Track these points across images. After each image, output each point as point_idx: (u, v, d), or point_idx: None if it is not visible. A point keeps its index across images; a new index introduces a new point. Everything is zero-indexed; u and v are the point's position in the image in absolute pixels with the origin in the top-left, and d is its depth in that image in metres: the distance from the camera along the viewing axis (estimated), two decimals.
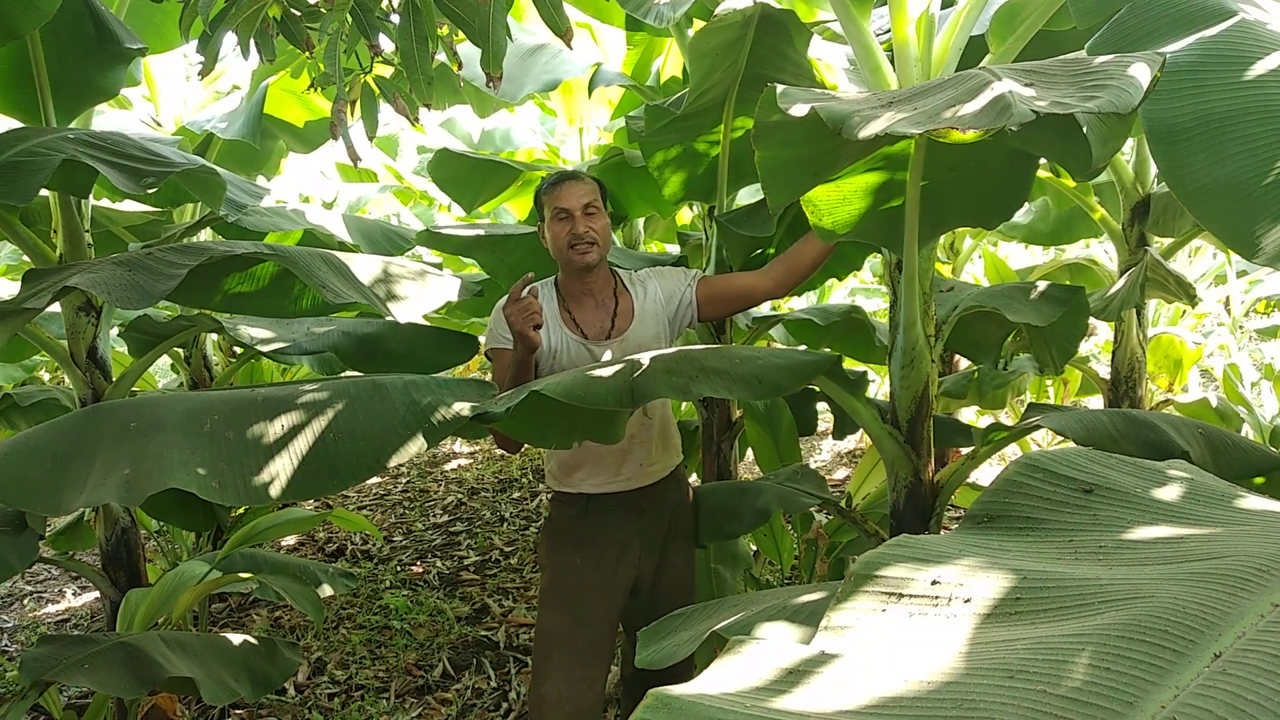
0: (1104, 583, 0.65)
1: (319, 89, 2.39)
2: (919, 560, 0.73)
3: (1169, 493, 0.82)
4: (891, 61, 2.27)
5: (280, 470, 1.64)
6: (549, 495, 2.41)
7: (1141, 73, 1.20)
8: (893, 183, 2.00)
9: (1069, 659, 0.55)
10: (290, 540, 5.23)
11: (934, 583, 0.71)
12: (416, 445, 1.66)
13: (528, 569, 4.72)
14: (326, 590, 3.05)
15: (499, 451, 7.16)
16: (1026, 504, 0.83)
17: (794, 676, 0.62)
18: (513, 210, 4.79)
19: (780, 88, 1.37)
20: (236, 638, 2.49)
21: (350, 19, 1.69)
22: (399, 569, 4.77)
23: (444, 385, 1.75)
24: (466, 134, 6.60)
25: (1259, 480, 2.28)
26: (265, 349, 2.72)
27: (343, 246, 3.61)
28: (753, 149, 1.79)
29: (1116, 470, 0.84)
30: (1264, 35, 1.40)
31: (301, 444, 1.67)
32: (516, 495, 6.10)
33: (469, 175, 4.02)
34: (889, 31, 2.31)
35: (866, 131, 1.16)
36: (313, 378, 2.63)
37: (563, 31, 1.73)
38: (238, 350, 5.52)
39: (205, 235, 3.82)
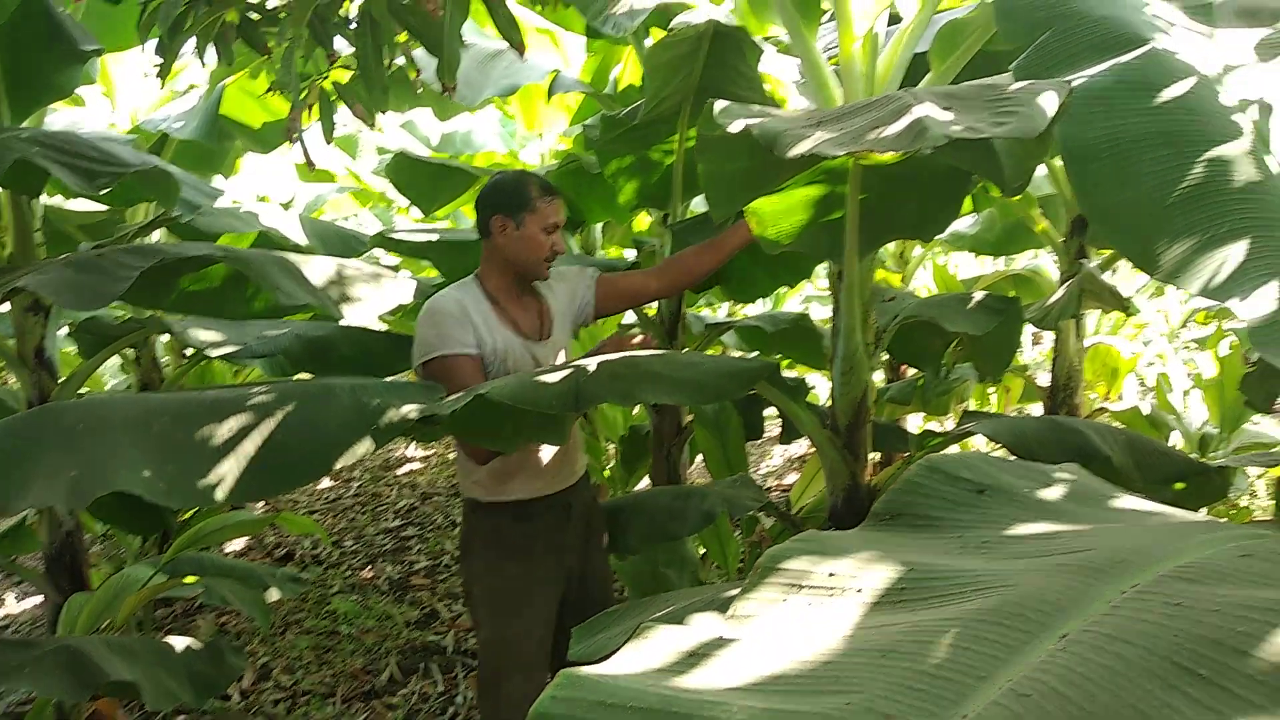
0: (979, 573, 0.72)
1: (278, 92, 2.42)
2: (819, 554, 0.79)
3: (1052, 493, 0.88)
4: (839, 76, 2.35)
5: (228, 472, 1.66)
6: (470, 508, 2.35)
7: (1049, 100, 1.27)
8: (833, 195, 2.07)
9: (935, 639, 0.61)
10: (238, 544, 5.20)
11: (831, 574, 0.77)
12: (364, 447, 1.69)
13: None
14: (274, 594, 3.05)
15: (452, 456, 7.16)
16: (925, 502, 0.89)
17: (693, 659, 0.67)
18: (469, 215, 4.81)
19: (720, 104, 1.43)
20: (180, 642, 2.49)
21: (307, 28, 1.72)
22: (348, 574, 4.76)
23: (391, 388, 1.78)
24: (426, 136, 6.60)
25: (1179, 485, 2.38)
26: (215, 352, 2.72)
27: (297, 248, 3.62)
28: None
29: (1008, 472, 0.91)
30: (1172, 64, 1.49)
31: (250, 445, 1.69)
32: None
33: (427, 179, 4.04)
34: (838, 45, 2.39)
35: (795, 150, 1.23)
36: (262, 380, 2.64)
37: (516, 44, 1.78)
38: (188, 352, 5.47)
39: (157, 235, 3.81)
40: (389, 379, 1.91)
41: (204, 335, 2.78)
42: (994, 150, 1.43)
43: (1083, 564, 0.68)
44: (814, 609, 0.73)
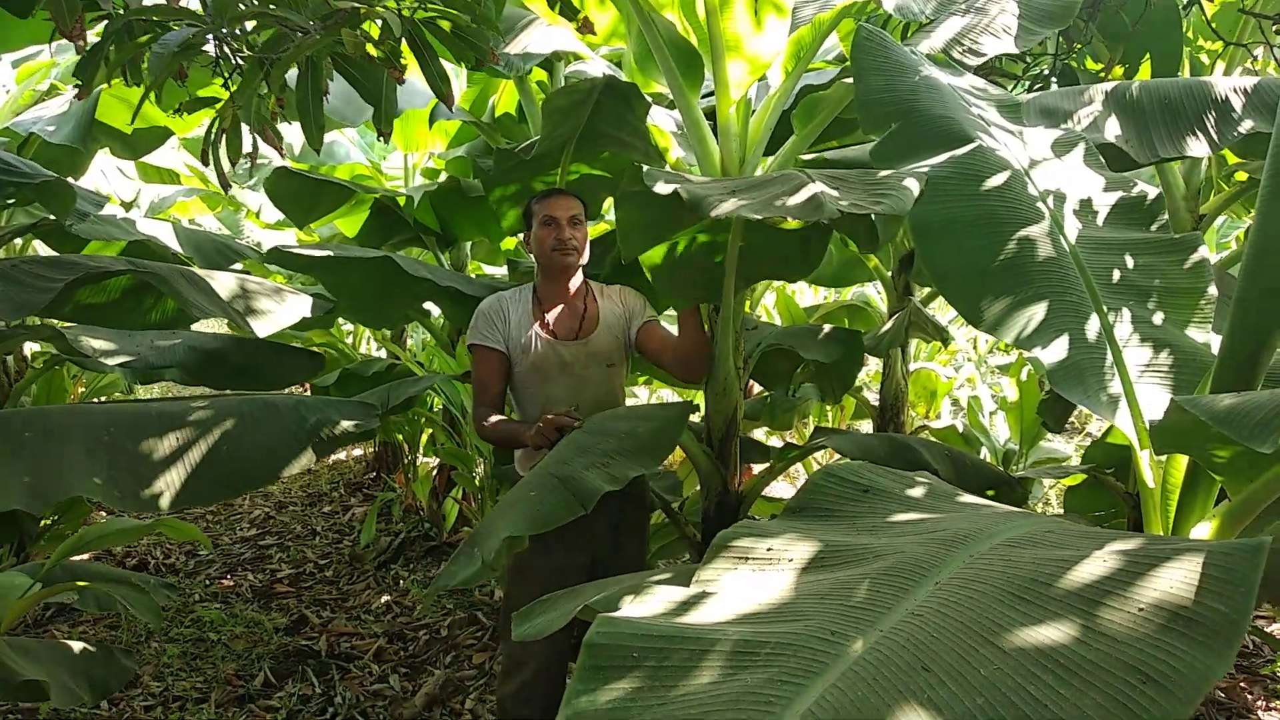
0: (875, 546, 1.02)
1: (185, 114, 2.51)
2: (758, 535, 1.08)
3: (916, 492, 1.21)
4: (716, 133, 2.68)
5: (175, 480, 1.79)
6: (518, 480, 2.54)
7: (913, 185, 1.63)
8: (715, 243, 2.40)
9: (855, 586, 0.91)
10: (83, 556, 5.03)
11: (769, 549, 1.06)
12: (307, 458, 1.86)
13: (343, 581, 4.80)
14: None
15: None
16: (825, 499, 1.20)
17: (685, 606, 0.94)
18: (341, 228, 4.88)
19: (646, 168, 1.71)
20: (76, 645, 2.53)
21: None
22: (208, 583, 4.72)
23: (330, 405, 1.96)
24: (288, 144, 6.56)
25: (991, 492, 2.84)
26: (110, 361, 2.76)
27: (176, 258, 3.63)
28: (584, 192, 2.06)
29: (883, 477, 1.23)
30: (993, 160, 1.89)
31: (195, 456, 1.83)
32: (327, 509, 6.10)
33: (305, 193, 4.13)
34: (712, 93, 2.72)
35: (718, 211, 1.52)
36: (199, 395, 2.71)
37: (446, 97, 1.99)
38: (28, 357, 5.25)
39: (19, 240, 3.71)
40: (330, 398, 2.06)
41: (95, 344, 2.81)
42: (869, 218, 1.78)
43: (945, 539, 1.00)
44: (760, 573, 1.02)
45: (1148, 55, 3.47)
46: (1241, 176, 3.54)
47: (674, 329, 2.67)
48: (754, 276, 2.52)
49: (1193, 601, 0.80)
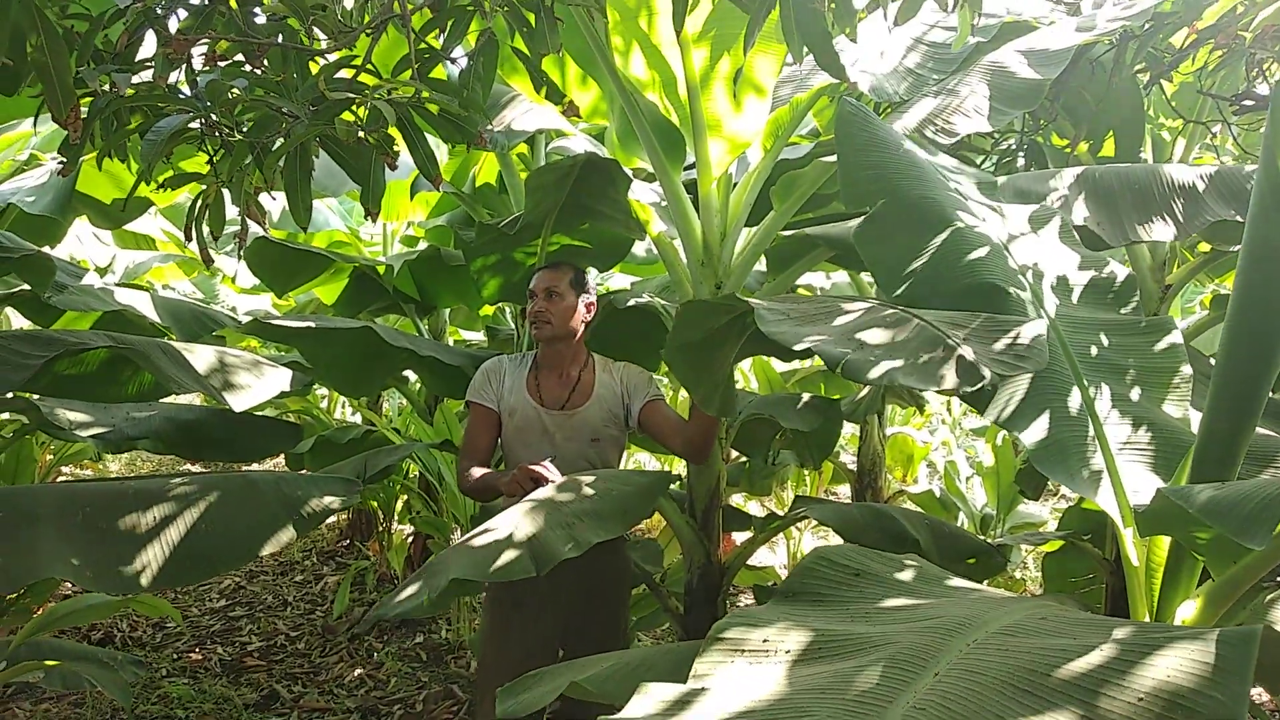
0: (870, 635, 1.02)
1: (170, 189, 2.53)
2: (752, 625, 1.08)
3: (906, 576, 1.21)
4: (698, 208, 2.73)
5: (153, 559, 1.76)
6: None
7: (1039, 328, 1.55)
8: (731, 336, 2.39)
9: (852, 679, 0.91)
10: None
11: (764, 640, 1.05)
12: (288, 535, 1.84)
13: (315, 654, 4.69)
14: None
15: None
16: (817, 584, 1.20)
17: (683, 704, 0.93)
18: (319, 294, 4.88)
19: (759, 307, 1.63)
20: None
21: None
22: (175, 656, 4.60)
23: (312, 481, 1.94)
24: (266, 212, 6.57)
25: (971, 561, 2.84)
26: (85, 433, 2.72)
27: (154, 329, 3.61)
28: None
29: (874, 561, 1.23)
30: (973, 238, 1.92)
31: (174, 534, 1.80)
32: (299, 579, 5.99)
33: (285, 263, 4.14)
34: (693, 165, 2.77)
35: (873, 378, 1.44)
36: (176, 472, 2.67)
37: (433, 178, 2.02)
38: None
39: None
40: (310, 473, 2.05)
41: (71, 416, 2.77)
42: None
43: (939, 627, 1.00)
44: (757, 666, 1.01)
45: (1111, 132, 3.58)
46: (1204, 247, 3.64)
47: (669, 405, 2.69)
48: (752, 354, 2.54)
49: (1190, 690, 0.81)
